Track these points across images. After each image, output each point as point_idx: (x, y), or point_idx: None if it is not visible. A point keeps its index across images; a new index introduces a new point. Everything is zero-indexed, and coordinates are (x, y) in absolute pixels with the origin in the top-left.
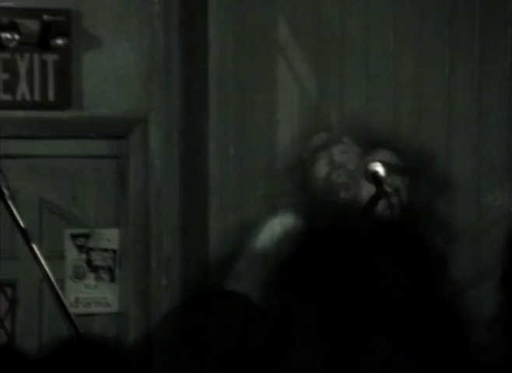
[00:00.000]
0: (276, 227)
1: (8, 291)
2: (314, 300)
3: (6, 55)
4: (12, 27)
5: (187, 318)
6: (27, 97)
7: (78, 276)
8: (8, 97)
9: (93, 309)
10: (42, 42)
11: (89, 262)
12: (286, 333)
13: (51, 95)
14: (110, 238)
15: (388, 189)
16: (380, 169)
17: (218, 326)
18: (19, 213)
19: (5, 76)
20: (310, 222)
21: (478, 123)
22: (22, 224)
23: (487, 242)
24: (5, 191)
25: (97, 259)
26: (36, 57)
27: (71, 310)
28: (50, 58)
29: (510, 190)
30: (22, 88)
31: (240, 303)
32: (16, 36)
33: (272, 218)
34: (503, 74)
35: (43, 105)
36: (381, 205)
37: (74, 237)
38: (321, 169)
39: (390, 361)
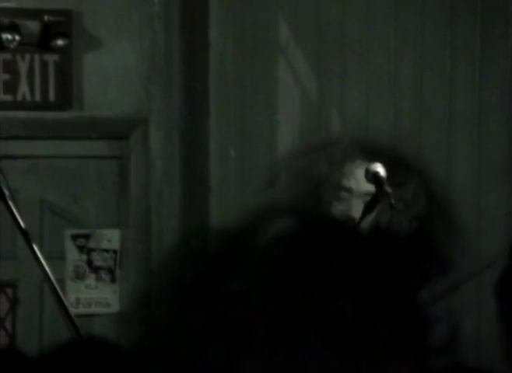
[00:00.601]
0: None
1: (9, 291)
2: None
3: (7, 56)
4: (13, 28)
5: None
6: (28, 98)
7: (79, 276)
8: (8, 98)
9: (94, 310)
10: (43, 42)
11: (89, 262)
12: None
13: (52, 96)
14: (110, 238)
15: (389, 190)
16: (380, 169)
17: None
18: (20, 213)
19: (6, 77)
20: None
21: (478, 123)
22: (22, 224)
23: (488, 242)
24: (6, 191)
25: (98, 260)
26: (36, 57)
27: (72, 310)
28: (51, 59)
29: (511, 190)
30: (23, 89)
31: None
32: (17, 37)
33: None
34: (504, 74)
35: (44, 105)
36: (382, 206)
37: (74, 237)
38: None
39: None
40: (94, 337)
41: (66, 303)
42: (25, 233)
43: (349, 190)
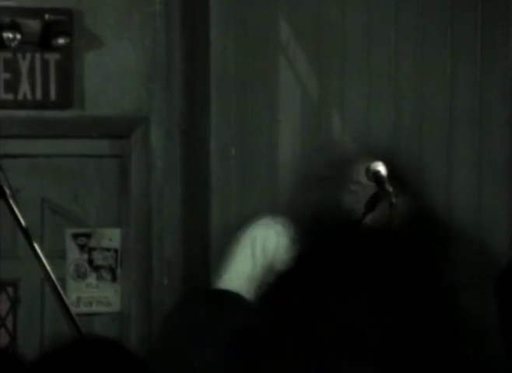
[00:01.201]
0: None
1: (10, 290)
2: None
3: (8, 54)
4: (14, 26)
5: (191, 316)
6: (29, 97)
7: (80, 275)
8: (9, 97)
9: (95, 309)
10: (44, 41)
11: (90, 261)
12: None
13: (53, 95)
14: (111, 237)
15: (390, 188)
16: (381, 168)
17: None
18: (21, 212)
19: (7, 76)
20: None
21: (479, 122)
22: (23, 223)
23: (488, 242)
24: (7, 190)
25: (99, 259)
26: (37, 56)
27: (73, 309)
28: (52, 58)
29: (511, 190)
30: (24, 88)
31: (243, 303)
32: (18, 36)
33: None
34: (505, 74)
35: (45, 104)
36: (382, 204)
37: (75, 236)
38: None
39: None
40: (97, 337)
41: (67, 302)
42: (26, 232)
43: (357, 187)
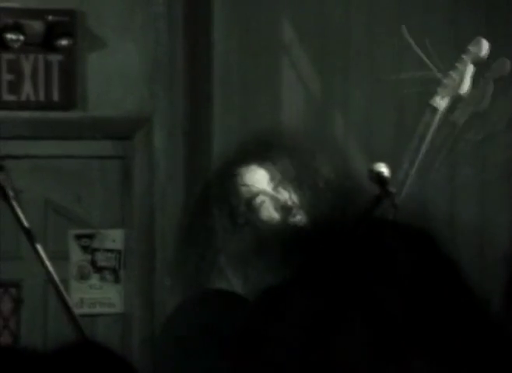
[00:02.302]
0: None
1: (13, 291)
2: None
3: (11, 56)
4: (17, 28)
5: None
6: (32, 98)
7: (83, 276)
8: (12, 98)
9: (98, 310)
10: (46, 42)
11: (93, 262)
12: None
13: (56, 96)
14: (114, 238)
15: (392, 190)
16: (384, 169)
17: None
18: (24, 213)
19: (10, 77)
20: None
21: (479, 122)
22: (26, 224)
23: (490, 243)
24: (10, 191)
25: (102, 260)
26: (40, 57)
27: (76, 310)
28: (55, 59)
29: (511, 190)
30: (27, 89)
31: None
32: (21, 37)
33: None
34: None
35: (48, 105)
36: (384, 205)
37: (78, 237)
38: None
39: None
40: (93, 341)
41: (70, 303)
42: (28, 233)
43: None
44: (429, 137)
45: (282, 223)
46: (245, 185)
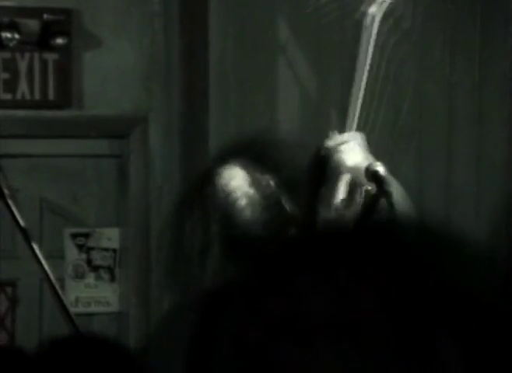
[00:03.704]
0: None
1: (9, 290)
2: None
3: (6, 54)
4: (13, 26)
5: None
6: (27, 96)
7: (79, 275)
8: (8, 96)
9: (93, 309)
10: (42, 41)
11: (89, 261)
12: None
13: (51, 95)
14: (110, 237)
15: (389, 188)
16: (380, 168)
17: None
18: (20, 212)
19: (6, 75)
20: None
21: (478, 122)
22: (22, 223)
23: (487, 241)
24: (6, 190)
25: (97, 259)
26: (36, 56)
27: (72, 309)
28: (51, 57)
29: (511, 190)
30: (23, 88)
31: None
32: (16, 36)
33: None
34: (504, 74)
35: (44, 104)
36: (381, 205)
37: (74, 236)
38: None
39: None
40: (95, 334)
41: (66, 302)
42: (24, 232)
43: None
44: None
45: (256, 221)
46: (223, 182)
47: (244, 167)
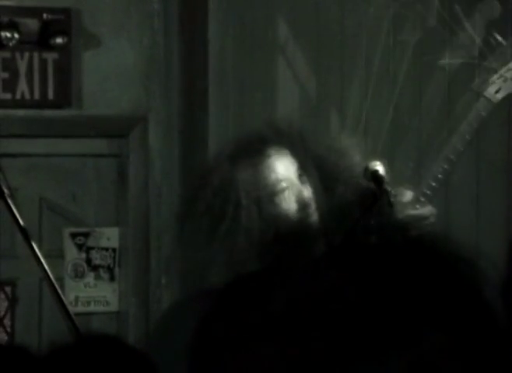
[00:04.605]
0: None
1: (8, 289)
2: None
3: (6, 54)
4: (12, 26)
5: None
6: (27, 96)
7: (78, 275)
8: (7, 96)
9: (93, 308)
10: (42, 41)
11: (88, 261)
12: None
13: (51, 94)
14: (109, 236)
15: (388, 188)
16: (380, 167)
17: None
18: (19, 211)
19: (5, 75)
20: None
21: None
22: (21, 222)
23: (487, 242)
24: (5, 190)
25: (97, 258)
26: (35, 55)
27: (71, 309)
28: (50, 57)
29: (510, 190)
30: (22, 87)
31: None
32: (16, 35)
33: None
34: None
35: (43, 104)
36: (381, 203)
37: (73, 236)
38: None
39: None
40: (106, 335)
41: (65, 301)
42: (24, 231)
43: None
44: (474, 129)
45: (297, 216)
46: (268, 173)
47: (292, 157)
